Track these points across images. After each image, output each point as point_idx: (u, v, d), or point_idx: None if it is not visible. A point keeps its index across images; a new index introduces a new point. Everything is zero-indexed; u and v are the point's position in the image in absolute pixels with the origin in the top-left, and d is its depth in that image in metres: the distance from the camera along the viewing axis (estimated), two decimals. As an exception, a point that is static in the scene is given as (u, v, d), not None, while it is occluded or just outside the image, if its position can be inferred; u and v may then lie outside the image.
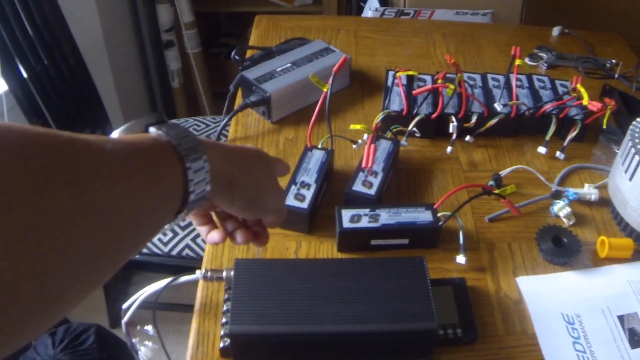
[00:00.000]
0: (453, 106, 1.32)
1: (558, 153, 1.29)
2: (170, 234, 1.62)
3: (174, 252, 1.60)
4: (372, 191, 1.11)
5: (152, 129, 0.63)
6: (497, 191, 1.16)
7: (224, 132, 1.37)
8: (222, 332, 0.91)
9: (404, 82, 1.37)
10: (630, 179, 1.08)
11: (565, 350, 0.94)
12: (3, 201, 0.41)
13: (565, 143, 1.29)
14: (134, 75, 2.69)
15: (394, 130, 1.24)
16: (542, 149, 1.29)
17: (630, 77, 1.58)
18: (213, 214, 0.83)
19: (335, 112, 1.40)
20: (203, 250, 1.11)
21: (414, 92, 1.30)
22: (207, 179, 0.63)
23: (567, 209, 1.15)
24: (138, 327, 0.99)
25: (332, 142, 1.22)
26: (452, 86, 1.28)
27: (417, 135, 1.30)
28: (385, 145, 1.21)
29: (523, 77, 1.42)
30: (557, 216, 1.16)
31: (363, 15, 2.17)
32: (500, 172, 1.23)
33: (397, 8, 1.97)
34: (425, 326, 0.85)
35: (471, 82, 1.39)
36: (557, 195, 1.20)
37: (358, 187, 1.12)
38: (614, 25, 2.00)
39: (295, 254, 1.07)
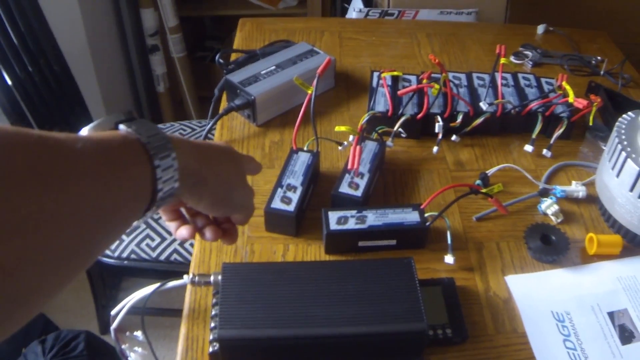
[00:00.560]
0: (438, 106, 1.32)
1: (545, 151, 1.29)
2: (158, 239, 1.62)
3: (162, 257, 1.59)
4: (358, 193, 1.11)
5: (122, 127, 0.63)
6: (484, 190, 1.16)
7: (209, 136, 1.36)
8: (211, 337, 0.90)
9: (389, 82, 1.36)
10: (617, 175, 1.08)
11: (555, 347, 0.94)
12: None
13: (552, 141, 1.29)
14: (119, 80, 2.68)
15: (379, 131, 1.24)
16: (528, 147, 1.29)
17: (615, 74, 1.58)
18: (183, 210, 0.83)
19: (320, 114, 1.40)
20: (191, 254, 1.11)
21: (399, 92, 1.30)
22: (175, 176, 0.63)
23: (555, 207, 1.15)
24: (127, 333, 0.98)
25: (317, 144, 1.21)
26: (437, 86, 1.28)
27: (403, 135, 1.30)
28: (371, 146, 1.20)
29: (508, 76, 1.42)
30: (545, 214, 1.16)
31: (347, 16, 2.16)
32: (487, 171, 1.23)
33: (381, 9, 1.97)
34: (414, 327, 0.85)
35: (456, 82, 1.39)
36: (545, 193, 1.20)
37: (344, 188, 1.12)
38: (598, 22, 2.00)
39: (283, 257, 1.07)
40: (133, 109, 2.74)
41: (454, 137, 1.31)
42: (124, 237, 1.63)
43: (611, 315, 0.99)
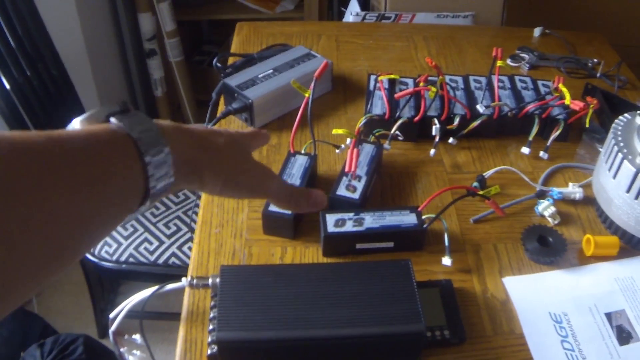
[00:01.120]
0: (435, 109, 1.32)
1: (542, 153, 1.30)
2: (156, 243, 1.62)
3: (161, 261, 1.60)
4: (356, 195, 1.11)
5: (113, 120, 0.61)
6: (481, 192, 1.16)
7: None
8: (209, 339, 0.90)
9: (386, 86, 1.37)
10: (614, 176, 1.08)
11: (553, 349, 0.94)
12: None
13: (549, 143, 1.30)
14: (117, 84, 2.68)
15: (376, 134, 1.24)
16: (525, 150, 1.30)
17: (612, 76, 1.58)
18: None
19: (317, 118, 1.40)
20: (189, 258, 1.11)
21: (396, 95, 1.30)
22: (170, 172, 0.62)
23: (552, 209, 1.15)
24: (126, 337, 0.98)
25: (315, 147, 1.22)
26: (434, 89, 1.29)
27: (400, 138, 1.30)
28: (368, 149, 1.21)
29: (505, 78, 1.42)
30: (542, 216, 1.16)
31: (344, 20, 2.17)
32: (484, 174, 1.23)
33: (378, 12, 1.98)
34: (412, 328, 0.85)
35: (453, 85, 1.40)
36: (542, 195, 1.20)
37: (342, 191, 1.12)
38: (595, 24, 2.01)
39: (281, 260, 1.07)
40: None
41: (451, 140, 1.31)
42: (122, 240, 1.64)
43: (609, 316, 1.00)
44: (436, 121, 1.28)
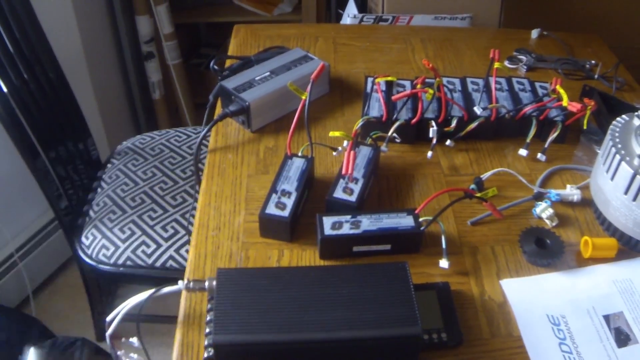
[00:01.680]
0: (433, 111, 1.32)
1: (539, 155, 1.30)
2: (153, 246, 1.61)
3: (158, 264, 1.59)
4: (353, 198, 1.11)
5: None
6: (478, 194, 1.16)
7: (204, 142, 1.36)
8: (206, 343, 0.90)
9: (383, 88, 1.37)
10: (612, 178, 1.08)
11: (551, 351, 0.94)
12: None
13: (546, 145, 1.30)
14: (114, 87, 2.68)
15: (374, 136, 1.24)
16: (523, 151, 1.30)
17: (609, 77, 1.58)
18: None
19: (315, 120, 1.40)
20: (187, 261, 1.11)
21: (393, 97, 1.30)
22: None
23: (550, 211, 1.15)
24: (123, 340, 0.98)
25: (312, 149, 1.21)
26: (431, 91, 1.28)
27: (397, 140, 1.30)
28: (365, 151, 1.20)
29: (502, 80, 1.42)
30: (540, 218, 1.16)
31: (342, 22, 2.17)
32: (481, 176, 1.23)
33: (375, 14, 1.97)
34: (409, 331, 0.85)
35: (450, 87, 1.39)
36: (539, 197, 1.20)
37: (339, 194, 1.12)
38: (592, 26, 2.01)
39: (278, 263, 1.07)
40: (128, 115, 2.75)
41: (448, 142, 1.31)
42: (119, 243, 1.63)
43: (607, 318, 0.99)
44: (433, 123, 1.28)
